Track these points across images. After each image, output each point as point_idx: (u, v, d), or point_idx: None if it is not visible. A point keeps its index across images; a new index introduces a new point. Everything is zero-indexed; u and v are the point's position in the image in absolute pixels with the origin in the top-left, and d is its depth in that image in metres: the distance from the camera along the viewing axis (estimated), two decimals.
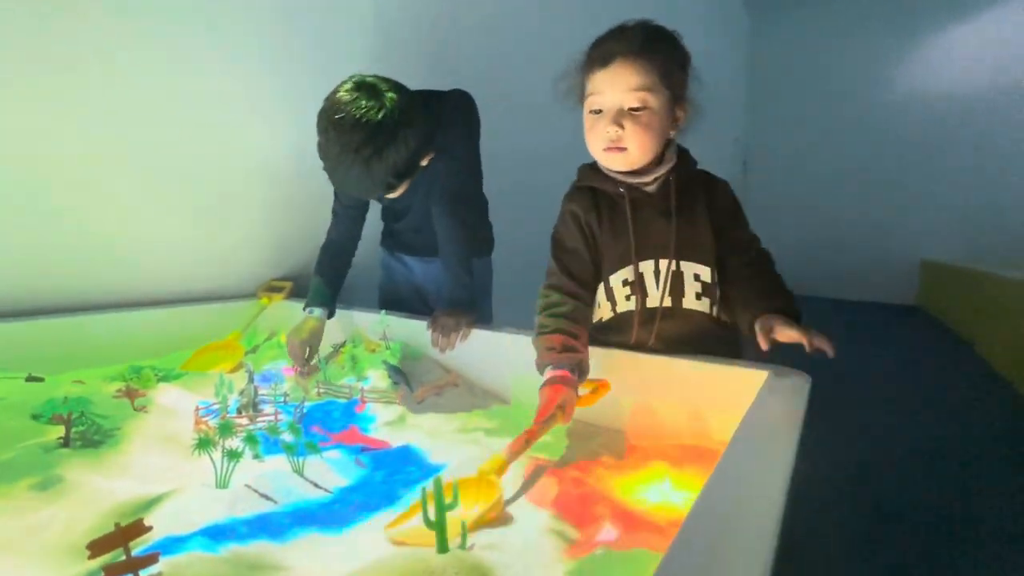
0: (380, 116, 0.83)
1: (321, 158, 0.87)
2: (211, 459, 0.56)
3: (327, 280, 1.13)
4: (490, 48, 1.94)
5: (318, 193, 1.30)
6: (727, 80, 4.85)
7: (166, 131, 1.12)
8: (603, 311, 0.82)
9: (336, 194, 1.16)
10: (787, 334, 0.63)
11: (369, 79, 0.88)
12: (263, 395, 0.85)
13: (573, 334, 0.72)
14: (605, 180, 0.78)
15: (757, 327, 0.65)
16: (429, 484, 0.47)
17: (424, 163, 0.94)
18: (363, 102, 0.83)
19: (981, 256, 3.93)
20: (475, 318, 0.98)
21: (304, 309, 1.09)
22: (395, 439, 0.76)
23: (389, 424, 0.81)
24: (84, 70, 0.99)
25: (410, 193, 1.05)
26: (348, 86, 0.86)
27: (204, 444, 0.56)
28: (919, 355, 3.01)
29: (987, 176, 4.20)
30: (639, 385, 0.74)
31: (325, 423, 0.81)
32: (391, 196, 0.95)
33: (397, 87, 0.89)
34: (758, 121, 5.40)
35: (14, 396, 0.76)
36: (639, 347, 0.78)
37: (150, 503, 0.54)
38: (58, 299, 1.02)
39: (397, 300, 1.29)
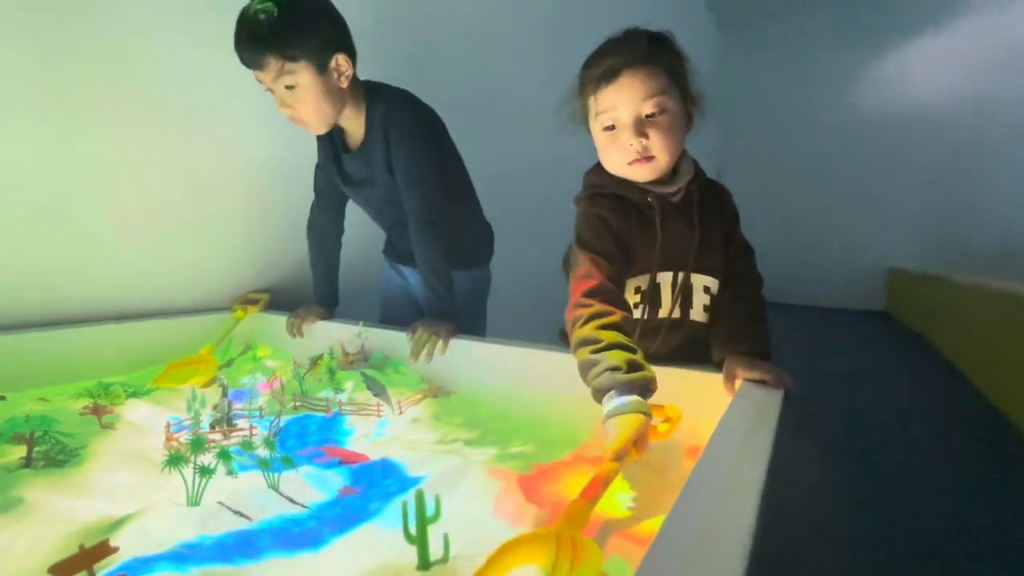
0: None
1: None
2: (182, 476, 0.55)
3: (322, 271, 1.25)
4: (477, 62, 1.96)
5: (296, 203, 1.30)
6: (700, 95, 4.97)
7: (134, 140, 1.10)
8: None
9: (316, 189, 1.23)
10: (751, 374, 0.64)
11: None
12: (238, 410, 0.83)
13: (633, 349, 0.62)
14: (631, 188, 0.75)
15: (724, 373, 0.66)
16: (409, 496, 0.46)
17: (341, 80, 0.99)
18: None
19: (946, 263, 4.08)
20: (455, 329, 0.98)
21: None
22: (373, 452, 0.75)
23: (367, 437, 0.80)
24: (47, 78, 0.97)
25: (372, 184, 1.11)
26: None
27: (175, 460, 0.54)
28: (888, 360, 3.10)
29: (951, 186, 4.37)
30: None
31: (302, 437, 0.80)
32: (298, 108, 0.97)
33: None
34: (730, 134, 5.55)
35: None
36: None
37: (116, 523, 0.52)
38: (22, 314, 0.98)
39: (394, 311, 1.29)
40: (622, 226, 0.74)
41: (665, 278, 0.77)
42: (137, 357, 1.06)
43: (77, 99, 1.01)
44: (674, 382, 0.71)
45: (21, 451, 0.62)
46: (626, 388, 0.57)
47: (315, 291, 1.25)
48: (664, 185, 0.75)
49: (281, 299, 1.34)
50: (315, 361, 1.02)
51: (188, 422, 0.76)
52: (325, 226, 1.25)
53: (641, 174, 0.72)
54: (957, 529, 1.26)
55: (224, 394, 0.80)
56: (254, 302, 1.28)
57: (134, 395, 0.90)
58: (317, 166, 1.23)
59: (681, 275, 0.76)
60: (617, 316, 0.65)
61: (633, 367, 0.59)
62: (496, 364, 0.90)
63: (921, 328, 3.57)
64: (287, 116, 0.99)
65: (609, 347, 0.61)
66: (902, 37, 4.54)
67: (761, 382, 0.62)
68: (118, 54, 1.06)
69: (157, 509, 0.54)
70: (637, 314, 0.77)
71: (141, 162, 1.12)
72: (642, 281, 0.77)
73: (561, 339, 0.86)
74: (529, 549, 0.41)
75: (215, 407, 0.78)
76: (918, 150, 4.51)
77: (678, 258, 0.76)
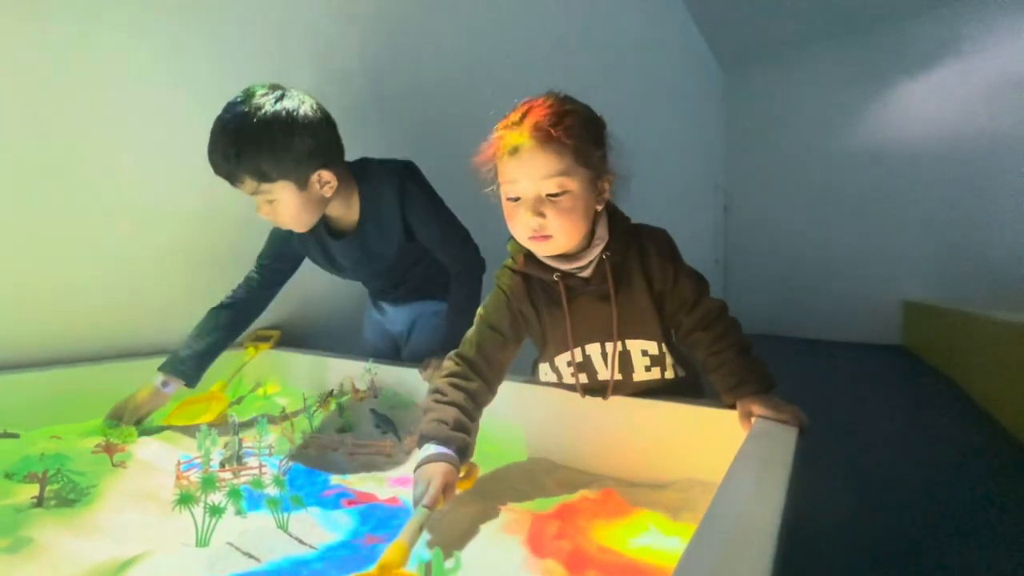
0: (270, 108, 0.85)
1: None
2: (192, 516, 0.54)
3: (212, 342, 1.04)
4: (452, 75, 2.02)
5: None
6: (705, 131, 5.06)
7: (144, 176, 1.14)
8: (550, 380, 0.83)
9: (265, 250, 1.15)
10: (767, 413, 0.63)
11: (289, 89, 0.91)
12: (248, 448, 0.83)
13: (470, 415, 0.68)
14: (540, 267, 0.74)
15: (739, 414, 0.66)
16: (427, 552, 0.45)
17: (325, 190, 0.95)
18: (258, 96, 0.86)
19: (960, 295, 4.03)
20: None
21: (158, 370, 0.99)
22: (382, 491, 0.74)
23: (376, 475, 0.79)
24: (36, 104, 1.01)
25: (370, 260, 1.09)
26: (252, 86, 0.89)
27: (186, 500, 0.54)
28: (904, 394, 3.03)
29: (961, 218, 4.38)
30: (623, 429, 0.74)
31: (311, 476, 0.79)
32: (281, 215, 0.93)
33: (308, 98, 0.91)
34: (736, 168, 5.63)
35: None
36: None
37: (124, 565, 0.52)
38: (33, 352, 1.00)
39: (372, 346, 1.30)
40: (527, 310, 0.76)
41: (593, 349, 0.76)
42: None
43: (87, 132, 1.06)
44: (687, 418, 0.70)
45: (33, 490, 0.62)
46: (447, 443, 0.63)
47: (177, 363, 1.01)
48: (570, 261, 0.72)
49: (292, 336, 1.35)
50: (325, 398, 1.02)
51: (198, 460, 0.76)
52: (251, 303, 1.14)
53: (540, 250, 0.71)
54: (983, 572, 1.20)
55: (234, 431, 0.80)
56: (265, 339, 1.29)
57: (145, 433, 0.91)
58: (276, 240, 1.14)
59: (609, 345, 0.75)
60: (473, 384, 0.71)
61: (460, 428, 0.65)
62: (500, 400, 0.89)
63: (939, 362, 3.50)
64: (266, 217, 0.95)
65: (450, 404, 0.67)
66: (908, 71, 4.64)
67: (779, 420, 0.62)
68: (112, 85, 1.11)
69: (166, 550, 0.54)
70: (573, 381, 0.77)
71: (146, 199, 1.15)
72: (570, 355, 0.76)
73: (533, 369, 0.89)
74: None
75: (225, 445, 0.78)
76: (930, 183, 4.54)
77: (598, 331, 0.75)
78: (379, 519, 0.65)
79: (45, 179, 1.00)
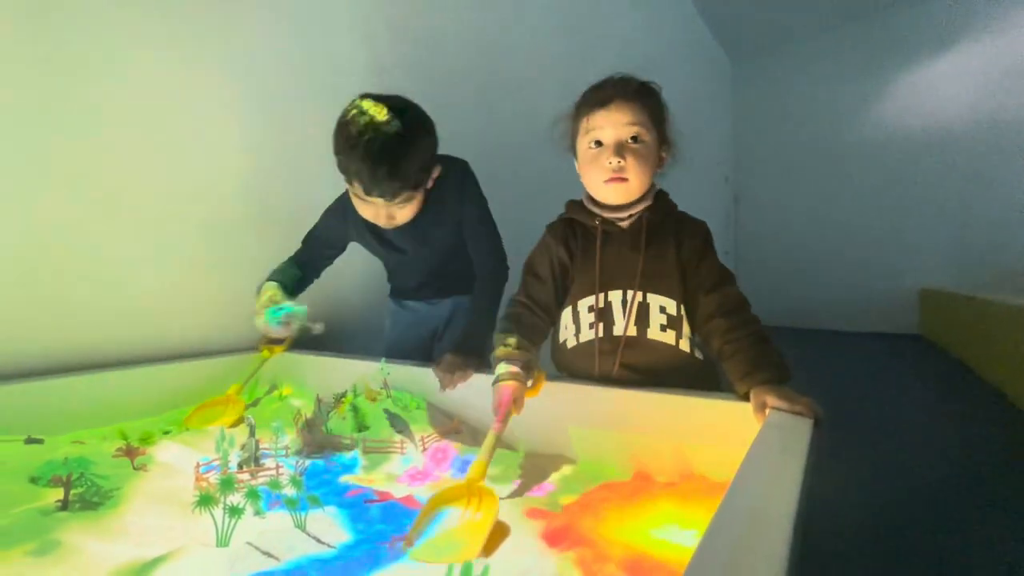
0: (401, 112, 0.93)
1: (345, 163, 0.94)
2: (212, 517, 0.55)
3: (292, 279, 1.19)
4: (484, 74, 2.02)
5: None
6: (714, 122, 5.02)
7: (155, 178, 1.16)
8: (568, 335, 0.86)
9: (318, 234, 1.23)
10: (782, 404, 0.63)
11: (378, 95, 0.97)
12: (265, 449, 0.84)
13: (530, 339, 0.82)
14: (585, 213, 0.87)
15: (752, 404, 0.66)
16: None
17: (430, 183, 1.03)
18: (380, 111, 0.92)
19: (978, 282, 3.96)
20: (481, 366, 0.98)
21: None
22: (398, 490, 0.75)
23: (390, 475, 0.80)
24: (60, 109, 1.02)
25: (423, 244, 1.13)
26: (359, 102, 0.94)
27: (205, 501, 0.55)
28: (923, 383, 2.99)
29: (978, 204, 4.29)
30: (638, 421, 0.74)
31: (327, 473, 0.80)
32: (402, 216, 1.02)
33: (405, 99, 0.98)
34: (746, 159, 5.56)
35: (13, 459, 0.75)
36: (604, 377, 0.82)
37: (147, 566, 0.53)
38: (49, 360, 1.01)
39: (402, 351, 1.30)
40: (562, 253, 0.88)
41: (615, 296, 0.82)
42: (166, 399, 1.08)
43: (102, 137, 1.08)
44: (700, 412, 0.70)
45: (58, 493, 0.64)
46: (511, 361, 0.78)
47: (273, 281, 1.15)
48: (614, 211, 0.84)
49: (306, 340, 1.36)
50: (339, 399, 1.03)
51: (217, 462, 0.77)
52: (305, 281, 1.26)
53: (614, 193, 0.82)
54: (1009, 561, 1.19)
55: (252, 433, 0.81)
56: (279, 341, 1.30)
57: (166, 435, 0.92)
58: (331, 223, 1.23)
59: (631, 293, 0.81)
60: (527, 319, 0.85)
61: (520, 347, 0.80)
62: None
63: (957, 350, 3.44)
64: (384, 224, 1.04)
65: (512, 333, 0.81)
66: (921, 56, 4.54)
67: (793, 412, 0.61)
68: (141, 89, 1.12)
69: (187, 551, 0.55)
70: (591, 334, 0.83)
71: (159, 201, 1.17)
72: (593, 299, 0.83)
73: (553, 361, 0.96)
74: (449, 495, 0.63)
75: (243, 447, 0.79)
76: (945, 169, 4.45)
77: (623, 278, 0.82)
78: (395, 518, 0.66)
79: (54, 179, 1.02)
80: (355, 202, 1.04)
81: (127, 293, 1.12)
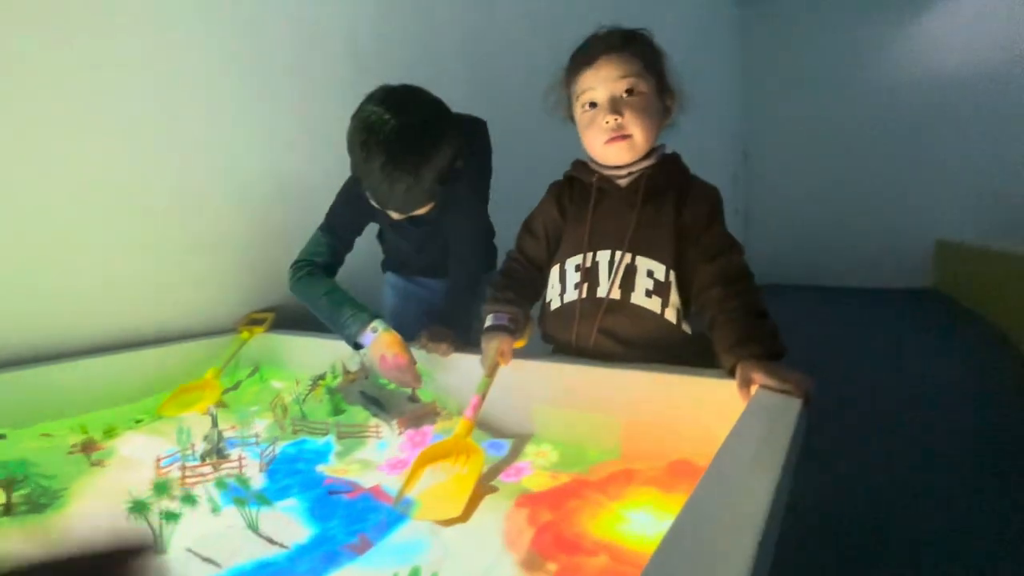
0: (420, 122, 0.84)
1: (360, 175, 0.87)
2: (148, 523, 0.51)
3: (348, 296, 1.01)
4: (469, 70, 1.91)
5: (298, 219, 1.27)
6: (720, 72, 4.80)
7: (129, 161, 1.10)
8: (553, 295, 0.82)
9: (337, 219, 1.11)
10: (770, 382, 0.56)
11: (398, 88, 0.87)
12: (231, 437, 0.80)
13: (522, 295, 0.83)
14: (585, 171, 0.84)
15: (737, 380, 0.60)
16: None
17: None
18: (400, 111, 0.83)
19: (995, 233, 3.81)
20: (463, 343, 0.93)
21: (363, 329, 0.92)
22: (368, 478, 0.71)
23: (362, 461, 0.76)
24: (40, 97, 0.97)
25: (422, 227, 1.07)
26: (380, 96, 0.85)
27: (139, 507, 0.51)
28: (940, 337, 2.91)
29: (995, 153, 4.10)
30: (618, 400, 0.70)
31: (296, 462, 0.77)
32: (419, 212, 0.96)
33: (426, 93, 0.89)
34: (755, 111, 5.33)
35: None
36: (580, 341, 0.78)
37: None
38: (17, 349, 0.97)
39: (400, 318, 1.24)
40: (555, 211, 0.86)
41: (603, 256, 0.78)
42: (142, 385, 1.05)
43: (76, 122, 1.01)
44: (682, 389, 0.65)
45: (2, 497, 0.61)
46: (500, 314, 0.79)
47: (362, 312, 0.96)
48: (613, 169, 0.80)
49: (287, 318, 1.32)
50: (316, 381, 0.99)
51: (180, 454, 0.73)
52: (335, 270, 1.12)
53: (616, 153, 0.77)
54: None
55: (214, 423, 0.77)
56: (259, 322, 1.26)
57: (138, 423, 0.89)
58: (349, 205, 1.09)
59: (619, 254, 0.77)
60: (520, 273, 0.86)
61: (510, 302, 0.81)
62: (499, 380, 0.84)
63: (973, 303, 3.34)
64: (396, 217, 0.99)
65: (503, 287, 0.83)
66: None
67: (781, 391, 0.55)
68: (124, 76, 1.06)
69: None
70: (576, 295, 0.79)
71: (136, 185, 1.11)
72: (580, 259, 0.80)
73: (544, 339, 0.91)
74: (437, 451, 0.67)
75: (205, 437, 0.76)
76: (958, 117, 4.24)
77: (612, 239, 0.78)
78: (362, 514, 0.62)
79: (27, 170, 0.97)
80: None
81: (103, 279, 1.07)
